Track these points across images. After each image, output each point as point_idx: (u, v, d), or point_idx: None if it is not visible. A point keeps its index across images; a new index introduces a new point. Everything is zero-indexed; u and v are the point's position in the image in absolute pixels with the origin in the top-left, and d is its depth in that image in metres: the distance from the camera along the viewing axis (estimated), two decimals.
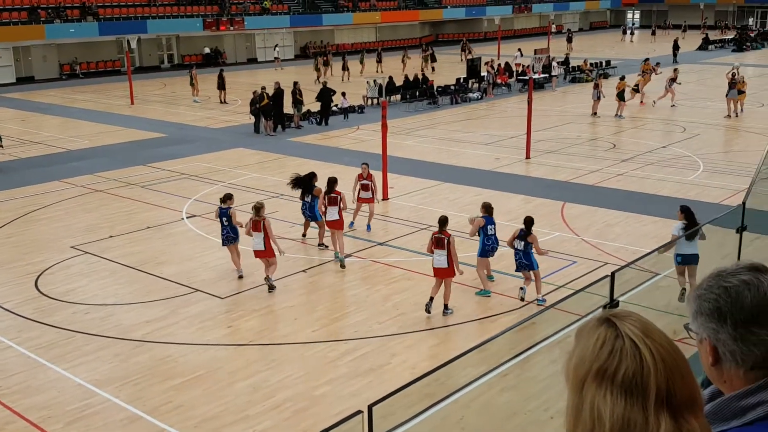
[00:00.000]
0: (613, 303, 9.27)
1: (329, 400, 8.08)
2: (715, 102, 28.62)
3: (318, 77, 34.97)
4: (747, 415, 1.40)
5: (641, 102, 27.86)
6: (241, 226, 11.46)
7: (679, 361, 1.26)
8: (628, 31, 59.95)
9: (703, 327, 1.47)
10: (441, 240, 10.14)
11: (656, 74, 29.60)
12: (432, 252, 10.21)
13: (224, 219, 11.52)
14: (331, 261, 12.37)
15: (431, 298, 10.18)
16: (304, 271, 11.91)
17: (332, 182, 12.45)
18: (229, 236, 11.56)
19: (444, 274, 10.16)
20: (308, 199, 13.02)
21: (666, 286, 11.25)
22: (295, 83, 24.92)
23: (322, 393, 8.24)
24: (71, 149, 21.89)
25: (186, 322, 10.16)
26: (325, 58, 37.92)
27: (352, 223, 14.00)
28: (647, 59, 31.11)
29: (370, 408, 4.68)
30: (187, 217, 14.93)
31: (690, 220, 10.33)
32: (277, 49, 44.18)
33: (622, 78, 25.95)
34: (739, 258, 10.62)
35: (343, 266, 12.03)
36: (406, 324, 9.91)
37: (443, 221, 10.30)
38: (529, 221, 10.54)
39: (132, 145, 22.40)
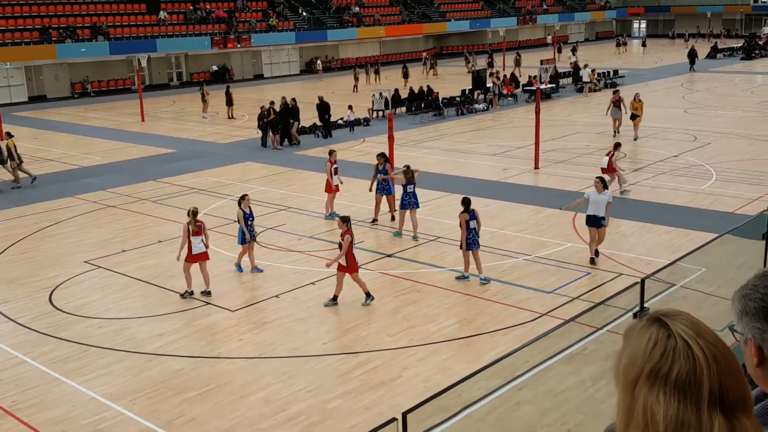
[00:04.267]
0: (643, 310, 9.21)
1: (342, 414, 8.05)
2: (726, 110, 28.55)
3: (354, 86, 37.91)
4: None
5: None
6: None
7: (730, 361, 1.24)
8: (638, 41, 59.99)
9: (748, 327, 1.45)
10: None
11: None
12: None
13: (249, 220, 12.37)
14: None
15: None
16: (312, 283, 11.91)
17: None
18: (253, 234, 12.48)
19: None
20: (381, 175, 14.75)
21: (683, 297, 11.16)
22: (293, 99, 24.81)
23: (335, 406, 8.21)
24: (84, 166, 22.08)
25: (198, 335, 10.19)
26: (376, 68, 42.39)
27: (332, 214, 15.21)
28: None
29: (404, 415, 4.68)
30: None
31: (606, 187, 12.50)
32: (319, 60, 46.53)
33: (636, 97, 23.11)
34: (765, 264, 10.53)
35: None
36: (417, 336, 9.88)
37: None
38: (465, 201, 11.75)
39: (143, 161, 22.57)
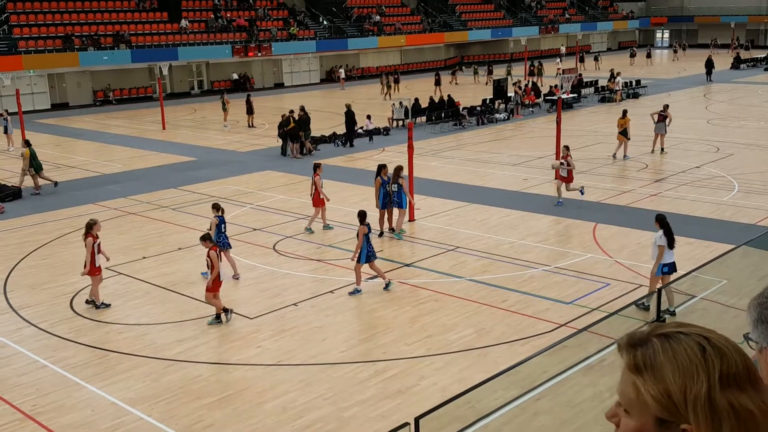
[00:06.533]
0: (660, 320, 9.07)
1: (359, 422, 8.04)
2: (749, 122, 28.21)
3: (386, 94, 38.03)
4: None
5: None
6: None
7: None
8: (652, 52, 59.56)
9: (763, 336, 1.44)
10: None
11: None
12: None
13: (222, 226, 12.57)
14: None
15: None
16: (331, 291, 11.93)
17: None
18: (225, 243, 12.49)
19: None
20: (395, 188, 14.51)
21: (703, 308, 11.01)
22: (302, 107, 24.67)
23: (352, 414, 8.20)
24: (105, 173, 22.36)
25: (216, 342, 10.24)
26: (396, 77, 41.62)
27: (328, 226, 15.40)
28: None
29: (416, 420, 4.67)
30: None
31: (667, 228, 10.40)
32: (342, 69, 46.70)
33: (624, 114, 21.91)
34: None
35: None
36: (435, 346, 9.85)
37: None
38: (361, 214, 11.84)
39: (164, 168, 22.80)
